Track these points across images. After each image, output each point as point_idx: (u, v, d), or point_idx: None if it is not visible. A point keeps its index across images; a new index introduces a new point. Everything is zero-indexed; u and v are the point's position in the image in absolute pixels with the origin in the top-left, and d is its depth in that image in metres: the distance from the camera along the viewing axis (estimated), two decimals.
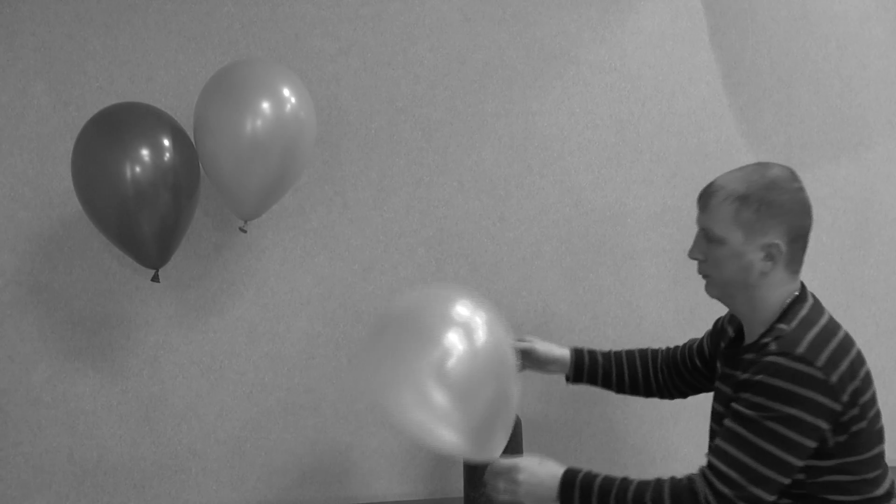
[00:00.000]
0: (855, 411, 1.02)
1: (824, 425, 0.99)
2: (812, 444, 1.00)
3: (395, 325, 1.03)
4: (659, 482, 1.03)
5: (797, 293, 1.11)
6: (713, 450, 1.03)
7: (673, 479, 1.03)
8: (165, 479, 1.64)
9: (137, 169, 1.30)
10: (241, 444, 1.67)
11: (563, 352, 1.35)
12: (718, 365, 1.22)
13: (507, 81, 1.72)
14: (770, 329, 1.09)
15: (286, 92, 1.38)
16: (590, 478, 1.06)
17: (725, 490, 0.99)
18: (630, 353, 1.36)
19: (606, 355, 1.36)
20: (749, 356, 1.09)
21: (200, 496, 1.65)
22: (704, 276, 1.14)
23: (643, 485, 1.03)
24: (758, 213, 1.07)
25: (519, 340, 1.31)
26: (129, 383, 1.63)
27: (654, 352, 1.37)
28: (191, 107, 1.44)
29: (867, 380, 1.06)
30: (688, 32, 1.79)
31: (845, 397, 1.01)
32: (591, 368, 1.35)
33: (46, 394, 1.60)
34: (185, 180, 1.37)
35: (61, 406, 1.60)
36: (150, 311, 1.63)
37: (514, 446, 1.42)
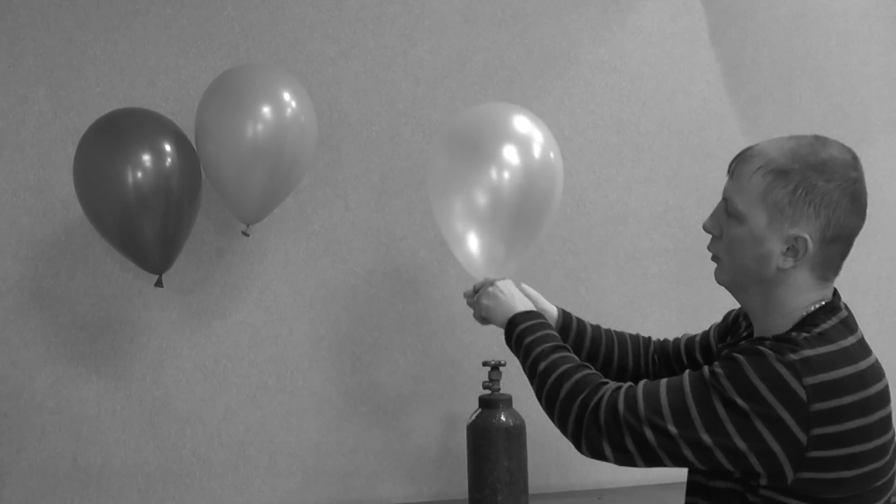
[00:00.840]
0: (833, 453, 0.85)
1: (775, 447, 0.85)
2: (744, 450, 0.85)
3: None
4: (583, 367, 0.98)
5: (824, 302, 0.95)
6: (649, 381, 0.94)
7: (596, 374, 0.97)
8: (170, 483, 1.64)
9: (139, 174, 1.31)
10: (245, 448, 1.67)
11: (550, 307, 1.25)
12: None
13: (507, 82, 1.73)
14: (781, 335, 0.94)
15: (287, 96, 1.39)
16: (527, 332, 1.05)
17: (621, 408, 0.89)
18: (622, 336, 1.26)
19: (597, 328, 1.25)
20: (741, 343, 0.97)
21: (205, 500, 1.64)
22: (715, 258, 0.99)
23: (571, 359, 0.99)
24: (792, 196, 0.90)
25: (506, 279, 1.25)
26: (133, 388, 1.63)
27: (647, 340, 1.27)
28: (192, 111, 1.45)
29: (881, 425, 0.89)
30: (688, 31, 1.81)
31: (817, 433, 0.84)
32: (577, 336, 1.24)
33: (50, 399, 1.60)
34: (186, 185, 1.38)
35: (65, 411, 1.60)
36: (152, 315, 1.63)
37: (517, 446, 1.46)
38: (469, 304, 1.24)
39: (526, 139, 1.24)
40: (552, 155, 1.28)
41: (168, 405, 1.65)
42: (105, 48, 1.62)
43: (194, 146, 1.41)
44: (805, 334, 0.89)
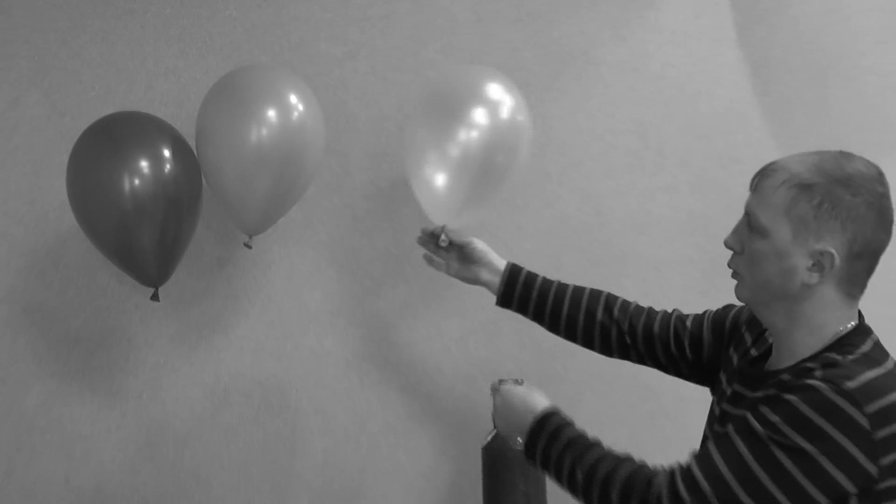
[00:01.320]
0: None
1: (847, 485, 0.84)
2: (819, 497, 0.85)
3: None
4: (621, 462, 0.95)
5: (855, 324, 0.96)
6: (699, 453, 0.93)
7: (638, 465, 0.95)
8: None
9: (136, 181, 1.29)
10: (247, 469, 1.65)
11: (499, 261, 1.30)
12: (724, 379, 1.08)
13: (522, 84, 1.64)
14: (816, 355, 0.94)
15: (292, 99, 1.37)
16: (559, 428, 1.02)
17: (687, 498, 0.87)
18: (578, 290, 1.26)
19: (546, 282, 1.27)
20: (783, 378, 0.94)
21: None
22: (735, 275, 1.01)
23: (604, 458, 0.96)
24: (818, 210, 0.92)
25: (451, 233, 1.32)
26: (129, 406, 1.61)
27: (618, 300, 1.24)
28: (192, 115, 1.42)
29: None
30: (713, 29, 1.77)
31: (886, 461, 0.84)
32: (523, 288, 1.27)
33: (41, 418, 1.58)
34: (186, 193, 1.36)
35: (57, 431, 1.58)
36: (150, 330, 1.61)
37: (536, 470, 1.38)
38: (426, 258, 1.35)
39: (495, 103, 1.34)
40: (520, 118, 1.37)
41: (166, 424, 1.63)
42: (101, 50, 1.60)
43: (195, 152, 1.40)
44: (850, 356, 0.89)
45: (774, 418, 0.86)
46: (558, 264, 1.72)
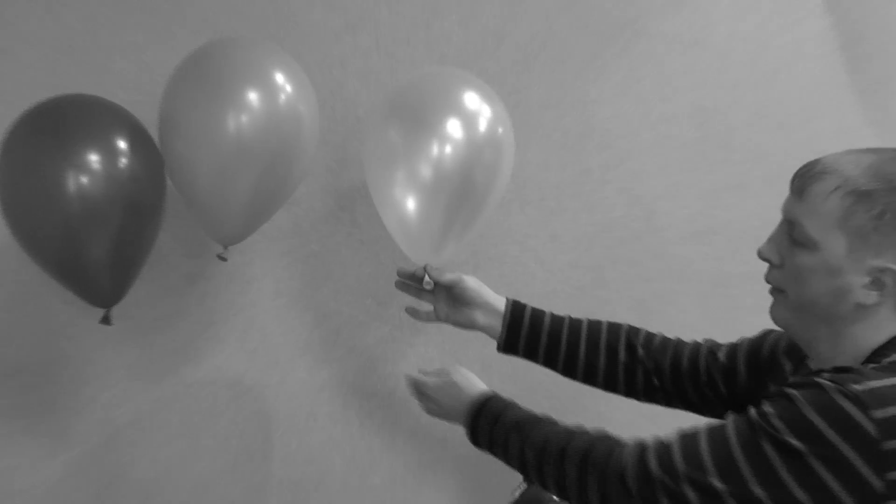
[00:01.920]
0: None
1: (843, 495, 0.84)
2: (806, 501, 0.85)
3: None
4: (575, 435, 1.00)
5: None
6: (686, 432, 0.94)
7: (596, 436, 1.00)
8: None
9: (85, 180, 1.23)
10: None
11: (497, 298, 1.31)
12: None
13: (556, 61, 1.68)
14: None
15: (279, 79, 1.34)
16: (504, 409, 1.11)
17: (654, 467, 0.91)
18: (595, 326, 1.27)
19: (556, 319, 1.29)
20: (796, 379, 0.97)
21: None
22: (775, 291, 1.01)
23: (557, 433, 1.02)
24: (878, 222, 0.91)
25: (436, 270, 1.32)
26: (77, 453, 1.56)
27: (640, 333, 1.26)
28: (156, 100, 1.37)
29: None
30: None
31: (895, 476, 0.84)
32: (530, 330, 1.28)
33: None
34: (147, 195, 1.33)
35: None
36: (104, 360, 1.57)
37: None
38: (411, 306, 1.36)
39: (472, 114, 1.33)
40: (501, 130, 1.36)
41: (122, 475, 1.58)
42: (43, 23, 1.53)
43: (158, 145, 1.37)
44: (873, 365, 0.90)
45: (769, 409, 0.88)
46: (601, 280, 1.72)
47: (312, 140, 1.43)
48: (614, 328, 1.27)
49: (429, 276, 1.32)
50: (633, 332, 1.27)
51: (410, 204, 1.31)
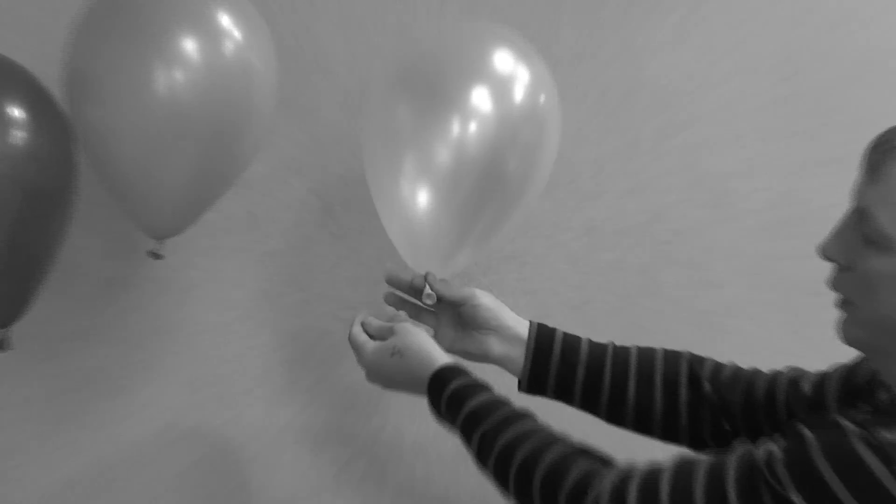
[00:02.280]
0: None
1: None
2: None
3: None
4: (551, 443, 1.03)
5: None
6: (685, 461, 0.98)
7: (575, 449, 1.03)
8: None
9: None
10: None
11: (517, 321, 1.32)
12: None
13: (594, 4, 1.70)
14: None
15: (225, 23, 1.34)
16: (463, 395, 1.14)
17: (632, 502, 0.94)
18: (647, 356, 1.28)
19: (598, 347, 1.29)
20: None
21: None
22: (844, 304, 1.01)
23: (530, 434, 1.06)
24: None
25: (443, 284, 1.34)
26: None
27: (717, 369, 1.25)
28: (60, 54, 1.36)
29: None
30: None
31: None
32: (563, 365, 1.28)
33: None
34: (51, 177, 1.32)
35: None
36: None
37: None
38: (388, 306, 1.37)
39: (504, 80, 1.35)
40: (543, 99, 1.38)
41: None
42: None
43: (65, 112, 1.36)
44: None
45: (777, 452, 0.90)
46: (653, 286, 1.73)
47: (269, 101, 1.43)
48: (673, 358, 1.27)
49: (430, 287, 1.31)
50: (696, 361, 1.27)
51: (420, 199, 1.33)
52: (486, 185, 1.32)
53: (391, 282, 1.37)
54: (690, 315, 1.76)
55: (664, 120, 1.74)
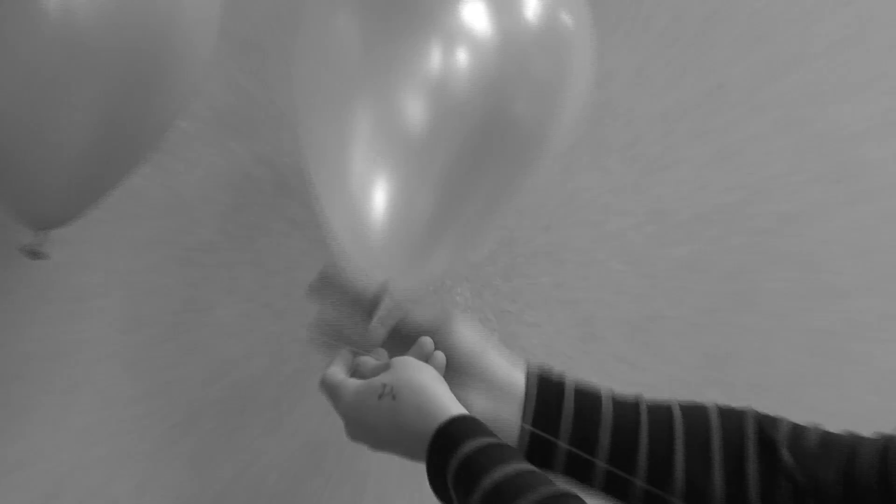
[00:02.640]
0: None
1: None
2: None
3: None
4: None
5: None
6: None
7: None
8: None
9: None
10: None
11: (507, 368, 1.29)
12: None
13: None
14: None
15: None
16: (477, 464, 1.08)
17: None
18: (728, 425, 1.22)
19: (625, 407, 1.25)
20: None
21: None
22: None
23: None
24: None
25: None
26: None
27: (796, 434, 1.20)
28: None
29: None
30: None
31: None
32: (578, 423, 1.24)
33: None
34: None
35: None
36: None
37: None
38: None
39: None
40: (566, 19, 1.35)
41: None
42: None
43: None
44: None
45: None
46: (748, 294, 1.75)
47: (207, 30, 1.44)
48: (733, 417, 1.24)
49: (385, 307, 1.30)
50: (766, 422, 1.22)
51: (379, 168, 1.30)
52: (481, 146, 1.29)
53: (315, 294, 1.34)
54: (802, 336, 1.78)
55: (763, 57, 1.74)
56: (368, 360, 1.25)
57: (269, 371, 1.73)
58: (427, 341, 1.28)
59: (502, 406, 1.27)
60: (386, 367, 1.22)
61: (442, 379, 1.20)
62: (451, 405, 1.14)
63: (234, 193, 1.71)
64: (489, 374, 1.28)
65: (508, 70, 1.28)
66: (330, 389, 1.25)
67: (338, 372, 1.25)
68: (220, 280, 1.73)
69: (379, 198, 1.30)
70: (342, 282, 1.34)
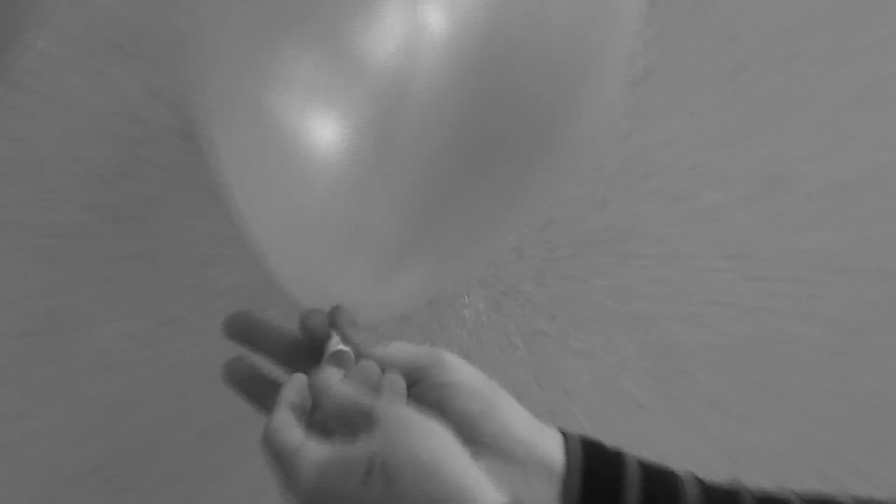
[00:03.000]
0: None
1: None
2: None
3: None
4: None
5: None
6: None
7: None
8: None
9: None
10: None
11: (537, 431, 1.02)
12: None
13: None
14: None
15: None
16: None
17: None
18: None
19: (724, 495, 1.00)
20: None
21: None
22: None
23: None
24: None
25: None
26: None
27: None
28: None
29: None
30: None
31: None
32: None
33: None
34: None
35: None
36: None
37: None
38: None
39: None
40: None
41: None
42: None
43: None
44: None
45: None
46: None
47: None
48: None
49: (343, 339, 1.05)
50: None
51: (323, 139, 1.06)
52: (478, 108, 1.05)
53: (237, 326, 1.07)
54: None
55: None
56: (339, 387, 0.94)
57: (172, 427, 1.47)
58: (395, 381, 1.00)
59: (528, 485, 1.00)
60: (367, 417, 0.90)
61: (456, 442, 0.89)
62: (481, 492, 0.85)
63: (115, 148, 1.48)
64: (505, 437, 0.98)
65: (514, 12, 1.04)
66: (280, 455, 0.89)
67: (290, 426, 0.92)
68: (95, 283, 1.46)
69: (319, 184, 1.06)
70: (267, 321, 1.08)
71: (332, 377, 0.94)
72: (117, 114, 1.49)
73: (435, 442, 0.89)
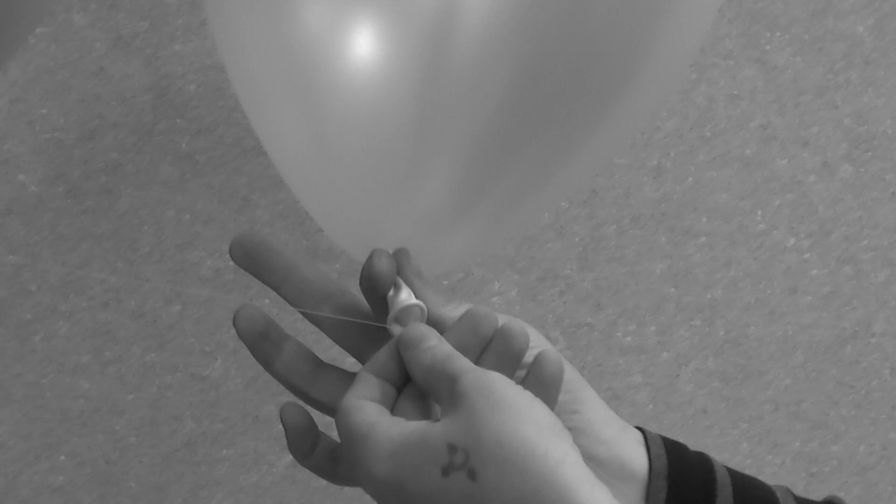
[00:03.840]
0: None
1: None
2: None
3: None
4: None
5: None
6: None
7: None
8: None
9: None
10: None
11: (627, 436, 0.94)
12: None
13: None
14: None
15: None
16: None
17: None
18: None
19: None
20: None
21: None
22: None
23: None
24: None
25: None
26: None
27: None
28: None
29: None
30: None
31: None
32: None
33: None
34: None
35: None
36: None
37: None
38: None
39: None
40: None
41: None
42: None
43: None
44: None
45: None
46: None
47: None
48: None
49: (397, 304, 0.88)
50: None
51: (374, 82, 0.96)
52: (550, 35, 0.92)
53: (244, 250, 0.98)
54: None
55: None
56: (439, 347, 0.79)
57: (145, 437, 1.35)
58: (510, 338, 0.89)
59: (611, 487, 0.92)
60: (450, 388, 0.75)
61: (555, 423, 0.76)
62: (580, 488, 0.73)
63: (77, 108, 1.34)
64: (588, 435, 0.91)
65: None
66: (353, 436, 0.81)
67: (366, 406, 0.80)
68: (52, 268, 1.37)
69: (368, 130, 0.92)
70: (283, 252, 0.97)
71: (430, 335, 0.78)
72: (79, 68, 1.37)
73: (525, 425, 0.77)
